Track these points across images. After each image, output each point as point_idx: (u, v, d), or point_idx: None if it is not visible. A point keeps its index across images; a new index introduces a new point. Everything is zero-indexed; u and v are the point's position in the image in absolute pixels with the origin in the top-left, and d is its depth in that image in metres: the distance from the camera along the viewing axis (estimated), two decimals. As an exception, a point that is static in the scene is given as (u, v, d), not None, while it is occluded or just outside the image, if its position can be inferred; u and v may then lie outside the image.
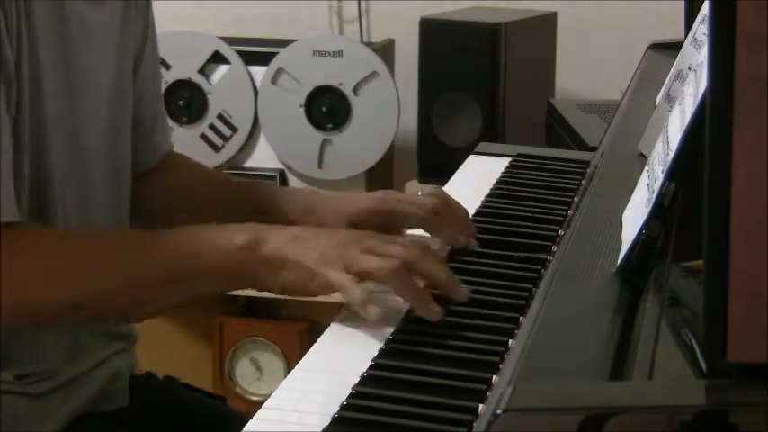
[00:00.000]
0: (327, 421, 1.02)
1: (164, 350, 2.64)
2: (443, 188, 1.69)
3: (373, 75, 2.83)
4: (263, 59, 2.85)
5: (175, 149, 1.63)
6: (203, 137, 2.89)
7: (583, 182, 1.62)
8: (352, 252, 1.20)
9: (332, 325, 1.22)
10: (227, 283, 1.25)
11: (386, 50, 2.97)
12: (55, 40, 1.29)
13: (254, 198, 1.51)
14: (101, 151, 1.39)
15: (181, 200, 1.57)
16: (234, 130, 2.89)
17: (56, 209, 1.31)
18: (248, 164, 2.92)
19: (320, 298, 1.25)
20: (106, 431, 1.39)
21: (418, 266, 1.21)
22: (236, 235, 1.22)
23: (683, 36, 1.72)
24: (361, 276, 1.19)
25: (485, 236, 1.44)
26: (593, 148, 1.86)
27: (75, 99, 1.33)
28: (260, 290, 1.23)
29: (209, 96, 2.88)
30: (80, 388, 1.37)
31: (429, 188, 1.50)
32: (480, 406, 1.03)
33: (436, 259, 1.24)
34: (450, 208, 1.43)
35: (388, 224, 1.42)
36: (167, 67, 2.78)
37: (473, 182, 1.69)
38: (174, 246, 1.24)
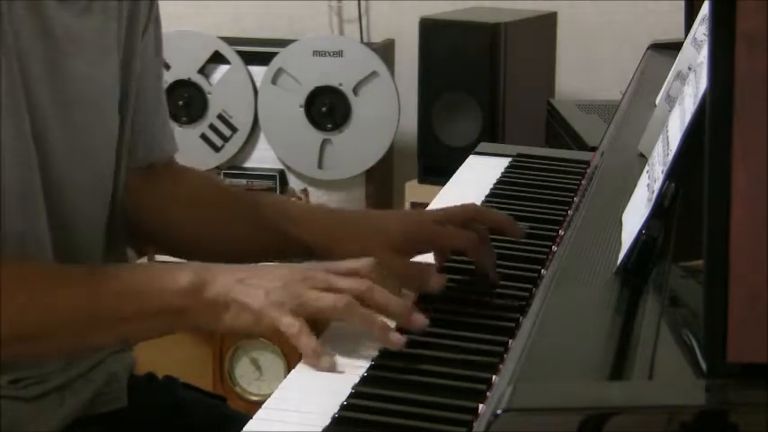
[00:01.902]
0: (327, 421, 1.02)
1: (164, 350, 2.63)
2: (443, 188, 1.70)
3: (373, 75, 2.83)
4: (263, 59, 2.86)
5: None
6: (203, 137, 2.89)
7: (583, 182, 1.62)
8: (300, 290, 1.16)
9: (332, 325, 1.22)
10: (170, 325, 1.21)
11: (386, 50, 2.97)
12: (39, 53, 1.26)
13: (264, 215, 1.45)
14: (110, 156, 1.37)
15: (187, 212, 1.50)
16: (234, 130, 2.89)
17: (41, 216, 1.29)
18: (248, 164, 2.93)
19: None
20: (104, 433, 1.40)
21: (369, 298, 1.17)
22: (181, 276, 1.18)
23: (683, 36, 1.72)
24: (314, 316, 1.16)
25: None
26: (594, 148, 1.86)
27: (69, 109, 1.30)
28: (207, 332, 1.20)
29: (209, 96, 2.88)
30: (76, 390, 1.36)
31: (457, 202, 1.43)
32: (480, 406, 1.03)
33: (388, 285, 1.19)
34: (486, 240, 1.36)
35: (427, 250, 1.36)
36: (167, 67, 2.78)
37: (473, 182, 1.69)
38: (118, 284, 1.21)
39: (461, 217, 1.36)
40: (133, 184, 1.44)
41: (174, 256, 1.50)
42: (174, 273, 1.19)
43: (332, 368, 1.13)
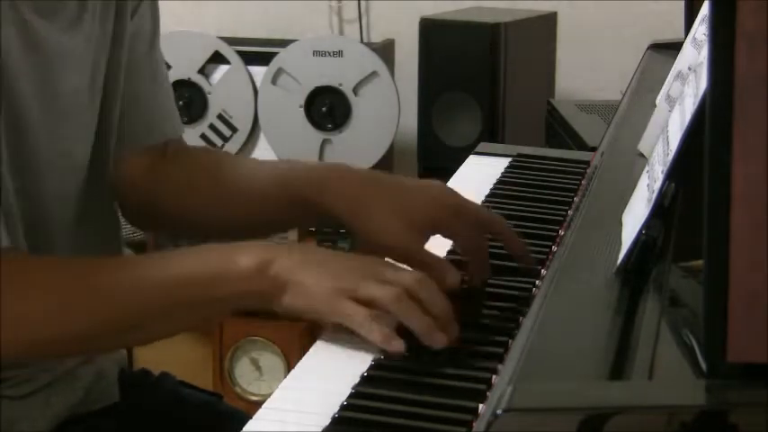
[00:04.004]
0: (327, 421, 1.02)
1: (163, 349, 2.62)
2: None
3: (373, 75, 2.83)
4: (263, 59, 2.85)
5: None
6: (203, 137, 2.89)
7: (583, 182, 1.62)
8: (357, 279, 1.17)
9: (332, 325, 1.22)
10: (233, 306, 1.22)
11: (386, 50, 2.97)
12: (30, 70, 1.26)
13: (284, 185, 1.40)
14: (88, 167, 1.37)
15: (188, 197, 1.49)
16: (234, 130, 2.89)
17: (52, 230, 1.31)
18: (248, 164, 2.92)
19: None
20: (97, 429, 1.39)
21: (420, 294, 1.17)
22: (243, 257, 1.18)
23: (683, 36, 1.72)
24: (365, 304, 1.16)
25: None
26: (593, 148, 1.86)
27: (60, 123, 1.31)
28: (265, 311, 1.21)
29: (209, 96, 2.88)
30: (64, 388, 1.36)
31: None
32: (480, 406, 1.03)
33: (440, 292, 1.18)
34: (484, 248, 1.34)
35: (439, 233, 1.34)
36: (167, 67, 2.78)
37: (473, 182, 1.69)
38: (177, 271, 1.21)
39: (476, 217, 1.34)
40: (142, 165, 1.46)
41: (190, 238, 1.50)
42: (235, 256, 1.19)
43: (402, 350, 1.12)
